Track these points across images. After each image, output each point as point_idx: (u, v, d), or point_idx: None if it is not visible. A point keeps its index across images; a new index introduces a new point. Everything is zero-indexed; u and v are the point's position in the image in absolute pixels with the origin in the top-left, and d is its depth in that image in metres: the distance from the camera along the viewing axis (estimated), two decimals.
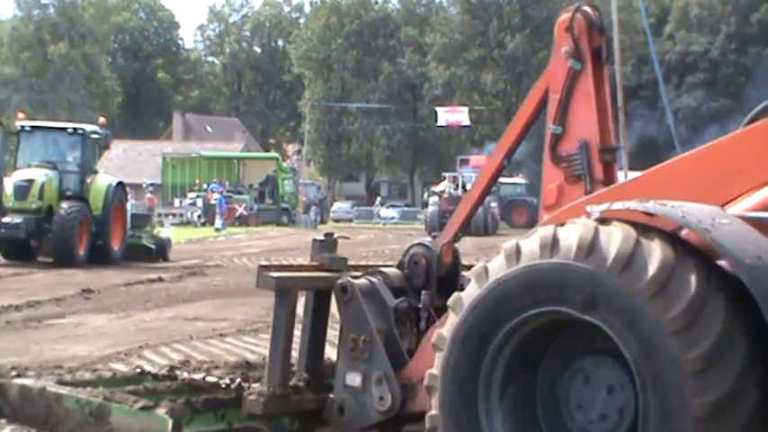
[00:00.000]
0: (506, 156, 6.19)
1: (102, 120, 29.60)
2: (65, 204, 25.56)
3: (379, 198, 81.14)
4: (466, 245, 39.62)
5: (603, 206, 4.98)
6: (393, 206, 76.99)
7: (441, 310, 6.01)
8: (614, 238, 4.68)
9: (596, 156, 5.84)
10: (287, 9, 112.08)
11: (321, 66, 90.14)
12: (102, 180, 27.19)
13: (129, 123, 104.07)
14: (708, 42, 75.14)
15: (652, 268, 4.56)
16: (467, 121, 77.73)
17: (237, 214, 57.89)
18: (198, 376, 6.79)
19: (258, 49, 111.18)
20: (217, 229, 49.76)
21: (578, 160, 5.83)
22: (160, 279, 21.92)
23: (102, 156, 29.06)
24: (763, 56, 67.79)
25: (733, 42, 74.72)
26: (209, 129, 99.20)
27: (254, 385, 6.25)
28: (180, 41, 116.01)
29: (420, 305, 6.13)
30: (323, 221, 65.95)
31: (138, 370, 7.21)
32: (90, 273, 23.24)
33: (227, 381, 6.54)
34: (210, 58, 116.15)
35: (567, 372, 5.04)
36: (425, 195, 69.59)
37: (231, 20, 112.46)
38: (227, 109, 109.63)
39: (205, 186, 60.72)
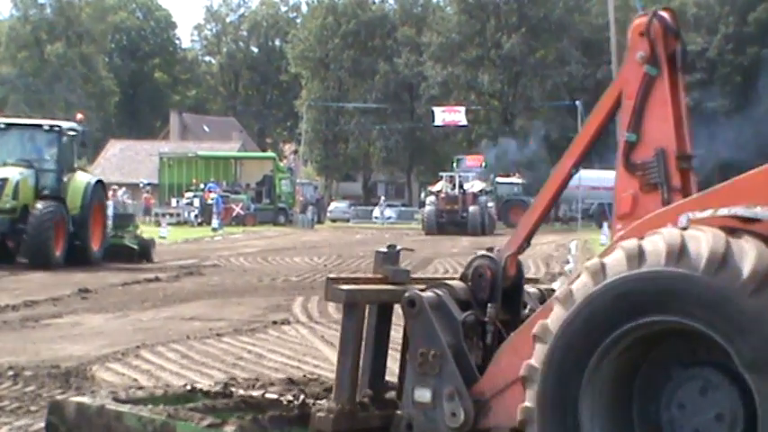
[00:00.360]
0: (575, 164, 5.98)
1: (79, 116, 28.69)
2: (40, 204, 24.57)
3: (382, 198, 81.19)
4: (463, 244, 39.32)
5: (707, 212, 4.91)
6: (390, 206, 77.07)
7: (506, 324, 5.94)
8: (703, 241, 4.63)
9: (673, 163, 5.67)
10: (284, 9, 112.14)
11: (318, 65, 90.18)
12: (81, 178, 26.25)
13: (126, 123, 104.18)
14: (705, 42, 75.15)
15: (749, 264, 4.51)
16: (464, 121, 77.79)
17: (234, 214, 57.88)
18: (256, 393, 6.67)
19: (255, 49, 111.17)
20: (214, 229, 49.74)
21: (654, 168, 5.67)
22: (157, 279, 21.89)
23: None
24: (761, 55, 67.79)
25: (730, 42, 74.76)
26: (206, 128, 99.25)
27: (320, 402, 6.15)
28: (177, 41, 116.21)
29: (486, 319, 5.96)
30: (320, 221, 66.05)
31: (189, 387, 7.07)
32: (87, 273, 23.20)
33: (290, 397, 6.44)
34: (207, 58, 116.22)
35: (686, 369, 4.94)
36: (422, 195, 69.65)
37: (228, 19, 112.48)
38: (224, 109, 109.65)
39: (202, 186, 60.70)
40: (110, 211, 28.78)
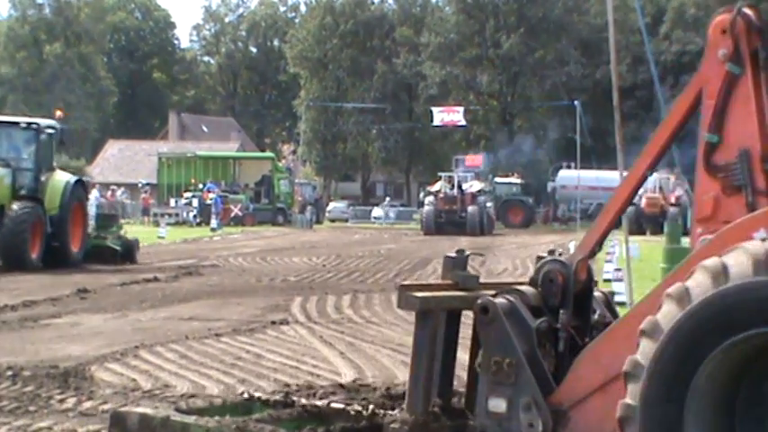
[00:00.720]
0: (650, 166, 5.81)
1: (58, 113, 27.85)
2: (16, 204, 23.84)
3: (388, 198, 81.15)
4: (462, 244, 39.62)
5: None
6: (389, 206, 77.10)
7: (577, 330, 5.81)
8: None
9: (758, 165, 5.48)
10: (282, 9, 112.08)
11: (316, 65, 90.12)
12: (60, 177, 25.50)
13: (124, 123, 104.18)
14: (704, 42, 75.07)
15: None
16: (462, 121, 77.68)
17: (233, 214, 57.89)
18: (319, 402, 6.51)
19: (254, 49, 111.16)
20: (212, 229, 49.76)
21: (738, 170, 5.49)
22: (156, 279, 21.86)
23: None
24: None
25: None
26: (204, 128, 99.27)
27: (391, 412, 6.04)
28: (176, 41, 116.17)
29: (558, 325, 5.77)
30: (318, 221, 66.08)
31: (246, 396, 6.86)
32: (86, 273, 23.22)
33: (358, 407, 6.33)
34: (206, 58, 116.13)
35: None
36: (421, 195, 69.60)
37: (227, 20, 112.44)
38: (222, 109, 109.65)
39: (201, 186, 60.72)
40: (91, 211, 28.25)
